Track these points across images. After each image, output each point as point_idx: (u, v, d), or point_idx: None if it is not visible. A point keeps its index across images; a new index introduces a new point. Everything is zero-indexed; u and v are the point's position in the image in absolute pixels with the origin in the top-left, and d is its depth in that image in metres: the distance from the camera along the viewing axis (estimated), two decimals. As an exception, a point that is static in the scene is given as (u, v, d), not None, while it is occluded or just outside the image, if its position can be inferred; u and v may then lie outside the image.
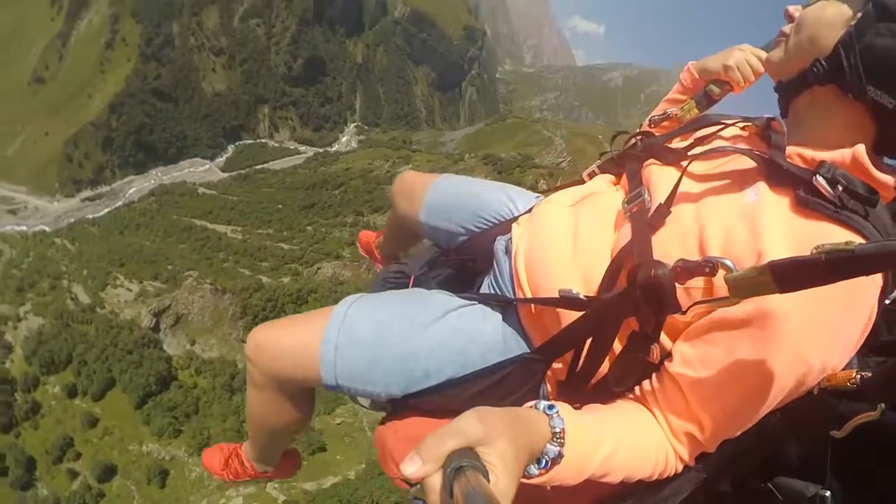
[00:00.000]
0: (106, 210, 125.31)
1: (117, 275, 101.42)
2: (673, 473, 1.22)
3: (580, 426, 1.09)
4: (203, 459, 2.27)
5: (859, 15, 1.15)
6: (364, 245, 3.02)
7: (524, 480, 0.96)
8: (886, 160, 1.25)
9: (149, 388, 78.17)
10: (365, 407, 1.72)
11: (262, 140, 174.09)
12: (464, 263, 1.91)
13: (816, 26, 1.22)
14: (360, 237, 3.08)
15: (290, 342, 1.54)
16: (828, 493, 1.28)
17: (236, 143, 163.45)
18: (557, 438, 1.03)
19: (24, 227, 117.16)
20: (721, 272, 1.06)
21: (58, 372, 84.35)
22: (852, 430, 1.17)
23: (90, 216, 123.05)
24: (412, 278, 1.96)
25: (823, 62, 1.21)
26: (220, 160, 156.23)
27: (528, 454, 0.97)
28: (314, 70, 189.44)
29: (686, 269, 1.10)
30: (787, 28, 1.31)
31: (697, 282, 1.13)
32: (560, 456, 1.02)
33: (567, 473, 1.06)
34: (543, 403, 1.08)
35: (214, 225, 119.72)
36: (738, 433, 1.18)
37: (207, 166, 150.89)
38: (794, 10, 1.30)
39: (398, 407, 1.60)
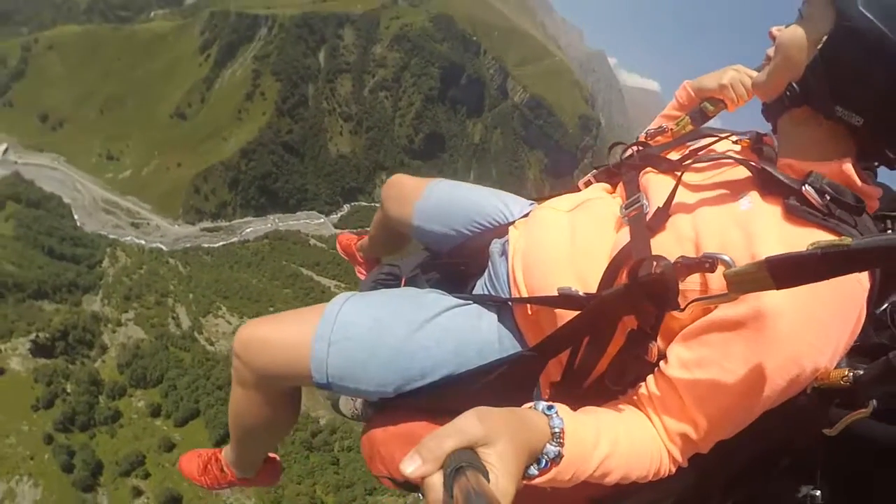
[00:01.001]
0: (221, 243, 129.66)
1: (220, 305, 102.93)
2: (667, 474, 1.23)
3: (578, 427, 1.09)
4: (180, 464, 2.21)
5: (826, 38, 1.21)
6: (344, 247, 2.98)
7: (523, 481, 0.96)
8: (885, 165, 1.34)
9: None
10: (346, 416, 1.72)
11: (376, 204, 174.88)
12: (456, 267, 1.92)
13: (790, 49, 1.28)
14: (339, 239, 3.06)
15: (281, 338, 1.51)
16: (818, 493, 1.32)
17: (352, 203, 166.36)
18: (557, 439, 1.03)
19: (142, 241, 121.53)
20: (720, 268, 1.09)
21: (146, 388, 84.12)
22: (844, 428, 1.19)
23: (206, 245, 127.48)
24: (404, 280, 1.94)
25: (796, 85, 1.28)
26: (335, 217, 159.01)
27: (528, 454, 0.97)
28: (433, 145, 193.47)
29: (686, 266, 1.13)
30: (770, 51, 1.37)
31: (695, 279, 1.17)
32: (559, 456, 1.02)
33: (566, 474, 1.06)
34: (543, 404, 1.08)
35: (320, 277, 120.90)
36: (733, 434, 1.19)
37: (322, 220, 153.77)
38: (777, 31, 1.35)
39: (388, 406, 1.58)
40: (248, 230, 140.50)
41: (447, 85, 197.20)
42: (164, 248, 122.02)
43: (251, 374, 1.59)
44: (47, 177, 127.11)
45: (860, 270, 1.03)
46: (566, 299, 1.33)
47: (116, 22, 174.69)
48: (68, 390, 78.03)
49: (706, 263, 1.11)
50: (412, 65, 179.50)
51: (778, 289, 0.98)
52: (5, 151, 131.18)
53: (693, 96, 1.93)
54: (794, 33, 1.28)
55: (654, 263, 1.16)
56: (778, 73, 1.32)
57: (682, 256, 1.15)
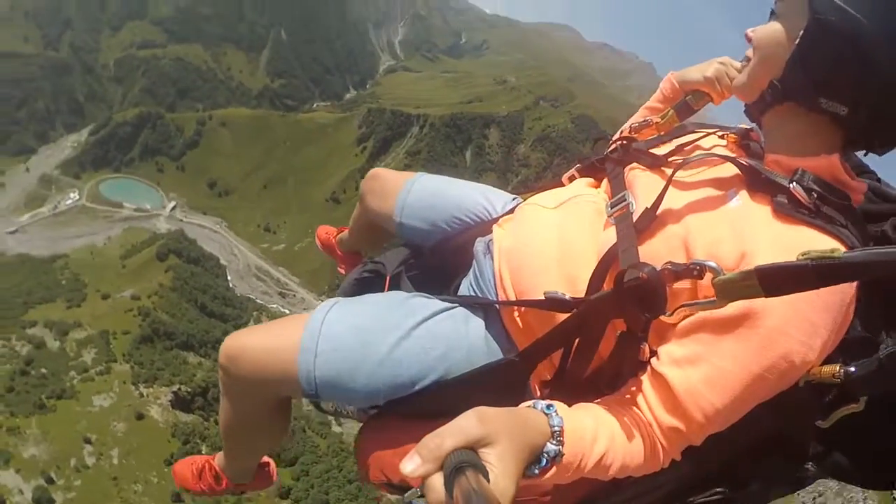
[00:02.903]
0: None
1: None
2: (661, 467, 1.25)
3: (577, 425, 1.10)
4: (174, 471, 2.22)
5: (802, 32, 1.22)
6: (323, 241, 2.95)
7: (524, 481, 0.97)
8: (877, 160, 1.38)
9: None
10: (327, 413, 1.72)
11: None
12: (440, 263, 1.91)
13: (767, 48, 1.31)
14: (318, 232, 3.00)
15: (266, 351, 1.51)
16: (810, 465, 1.39)
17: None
18: (556, 437, 1.04)
19: (287, 311, 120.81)
20: (708, 275, 1.11)
21: (279, 466, 77.66)
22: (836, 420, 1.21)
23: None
24: (387, 278, 1.92)
25: (777, 82, 1.30)
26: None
27: (529, 453, 0.98)
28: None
29: (674, 272, 1.14)
30: (749, 51, 1.38)
31: (684, 284, 1.18)
32: (559, 455, 1.03)
33: (566, 472, 1.07)
34: (542, 403, 1.09)
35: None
36: (724, 427, 1.20)
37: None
38: (752, 32, 1.37)
39: (380, 413, 1.59)
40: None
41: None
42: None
43: (238, 386, 1.59)
44: (208, 238, 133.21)
45: (849, 281, 1.05)
46: (553, 303, 1.33)
47: (283, 109, 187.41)
48: (203, 452, 74.76)
49: (694, 270, 1.12)
50: (555, 164, 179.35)
51: (767, 297, 1.01)
52: (173, 208, 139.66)
53: (678, 88, 1.90)
54: (770, 31, 1.31)
55: (641, 270, 1.15)
56: (757, 73, 1.34)
57: (669, 262, 1.16)
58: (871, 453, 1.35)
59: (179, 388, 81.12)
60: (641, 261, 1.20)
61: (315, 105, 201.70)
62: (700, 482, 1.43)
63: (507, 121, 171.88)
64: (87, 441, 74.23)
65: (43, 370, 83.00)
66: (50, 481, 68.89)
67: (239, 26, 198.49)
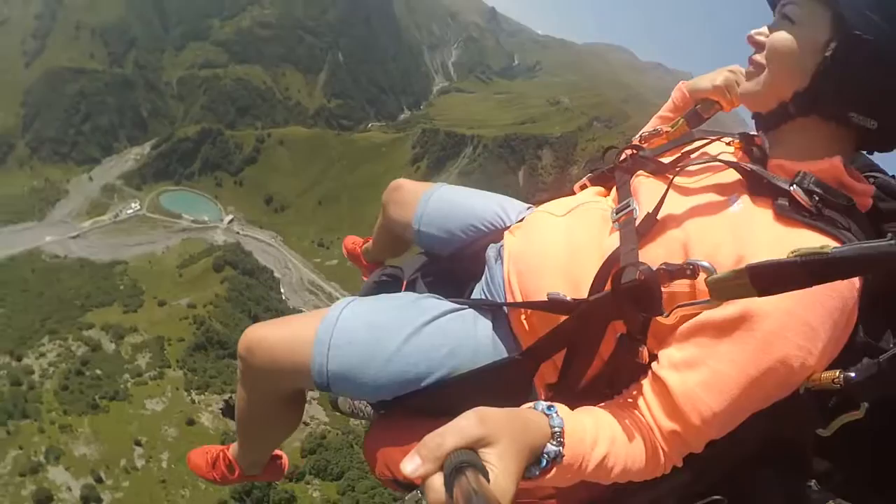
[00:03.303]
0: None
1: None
2: (663, 473, 1.25)
3: (577, 426, 1.11)
4: (189, 460, 2.29)
5: (834, 45, 1.20)
6: (350, 250, 3.04)
7: (524, 482, 0.97)
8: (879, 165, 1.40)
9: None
10: (344, 413, 1.73)
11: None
12: (456, 270, 1.97)
13: (790, 58, 1.27)
14: (345, 242, 3.10)
15: (283, 342, 1.56)
16: (813, 482, 1.37)
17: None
18: (557, 438, 1.04)
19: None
20: (702, 275, 1.12)
21: (325, 479, 76.21)
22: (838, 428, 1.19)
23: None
24: (404, 283, 1.98)
25: (803, 95, 1.27)
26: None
27: (529, 454, 0.98)
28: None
29: (668, 272, 1.15)
30: (758, 57, 1.34)
31: (681, 285, 1.19)
32: (560, 456, 1.04)
33: (566, 473, 1.07)
34: (542, 404, 1.10)
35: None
36: (724, 433, 1.20)
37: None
38: (759, 35, 1.34)
39: (388, 409, 1.63)
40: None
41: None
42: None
43: (255, 375, 1.64)
44: (263, 251, 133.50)
45: (842, 278, 1.04)
46: (554, 304, 1.36)
47: (338, 129, 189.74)
48: None
49: (687, 270, 1.13)
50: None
51: (760, 296, 1.01)
52: (230, 222, 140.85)
53: (688, 97, 1.92)
54: (788, 40, 1.27)
55: (637, 270, 1.16)
56: (776, 83, 1.31)
57: (664, 263, 1.17)
58: (869, 473, 1.33)
59: (230, 397, 78.38)
60: (639, 261, 1.21)
61: (370, 125, 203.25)
62: (700, 490, 1.42)
63: (560, 142, 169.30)
64: (138, 443, 73.96)
65: (98, 371, 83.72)
66: (99, 480, 68.55)
67: (297, 48, 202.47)
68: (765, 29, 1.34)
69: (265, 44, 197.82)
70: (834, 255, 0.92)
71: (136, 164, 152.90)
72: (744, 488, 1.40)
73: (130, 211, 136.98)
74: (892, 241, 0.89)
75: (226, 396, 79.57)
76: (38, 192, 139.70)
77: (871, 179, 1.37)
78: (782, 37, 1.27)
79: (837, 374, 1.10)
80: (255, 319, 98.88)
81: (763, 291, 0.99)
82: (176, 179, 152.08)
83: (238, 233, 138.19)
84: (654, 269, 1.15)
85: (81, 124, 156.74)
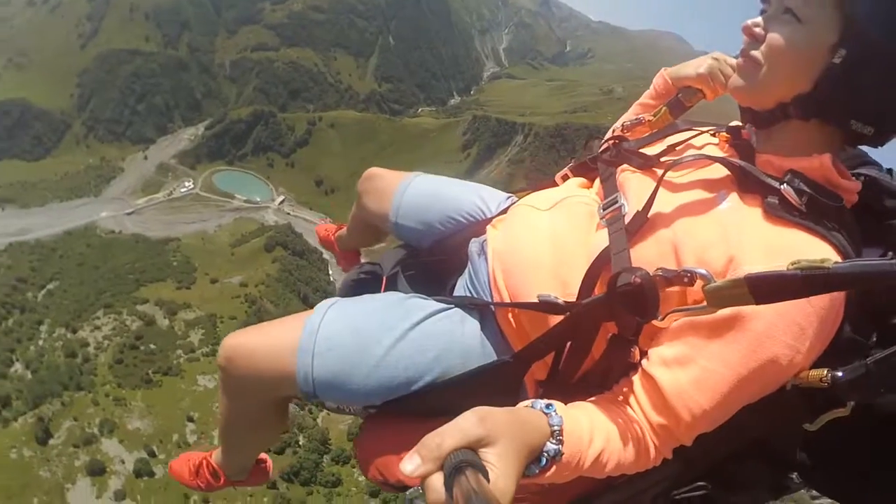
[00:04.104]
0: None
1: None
2: (653, 465, 1.27)
3: (574, 424, 1.12)
4: (171, 468, 2.23)
5: (844, 52, 1.16)
6: (323, 237, 2.99)
7: (523, 480, 0.97)
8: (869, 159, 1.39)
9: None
10: (331, 410, 1.77)
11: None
12: (436, 263, 1.93)
13: (795, 59, 1.23)
14: (317, 230, 3.06)
15: (264, 350, 1.51)
16: (794, 475, 1.39)
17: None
18: (556, 436, 1.05)
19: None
20: (699, 282, 1.11)
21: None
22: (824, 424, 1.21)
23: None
24: (384, 279, 1.93)
25: (807, 98, 1.24)
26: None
27: (528, 453, 0.98)
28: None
29: (665, 279, 1.15)
30: (756, 53, 1.29)
31: (674, 289, 1.19)
32: (559, 454, 1.05)
33: (565, 471, 1.08)
34: (541, 402, 1.10)
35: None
36: (714, 427, 1.22)
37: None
38: (757, 27, 1.29)
39: (378, 412, 1.61)
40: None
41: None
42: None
43: (237, 385, 1.60)
44: (313, 232, 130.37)
45: (838, 291, 1.06)
46: (546, 306, 1.34)
47: (389, 113, 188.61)
48: (300, 443, 73.64)
49: (685, 277, 1.13)
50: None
51: (757, 304, 1.02)
52: (281, 202, 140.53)
53: (671, 85, 1.89)
54: (794, 40, 1.22)
55: (633, 275, 1.16)
56: (776, 84, 1.27)
57: (660, 269, 1.17)
58: (847, 470, 1.34)
59: None
60: (633, 265, 1.21)
61: (420, 110, 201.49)
62: (687, 481, 1.44)
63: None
64: (190, 419, 73.69)
65: (151, 346, 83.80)
66: (152, 454, 68.31)
67: (349, 32, 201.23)
68: (761, 19, 1.29)
69: (317, 27, 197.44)
70: (835, 270, 0.93)
71: (190, 144, 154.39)
72: (730, 477, 1.42)
73: (184, 189, 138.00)
74: (893, 261, 0.92)
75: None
76: (94, 169, 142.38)
77: (862, 177, 1.36)
78: (786, 35, 1.22)
79: (825, 373, 1.12)
80: (305, 300, 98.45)
81: (761, 300, 1.01)
82: (229, 160, 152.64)
83: (289, 214, 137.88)
84: (651, 274, 1.15)
85: (136, 105, 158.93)
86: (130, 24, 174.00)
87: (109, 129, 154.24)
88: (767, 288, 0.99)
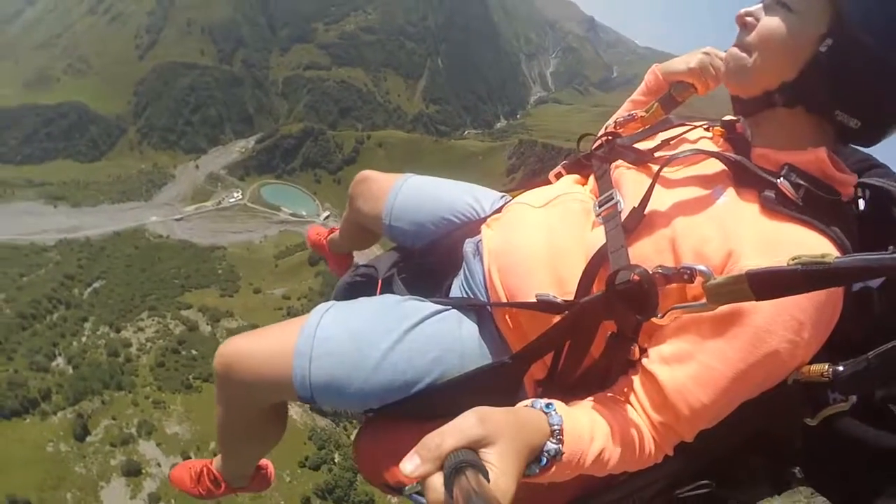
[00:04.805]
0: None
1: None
2: (654, 462, 1.27)
3: (575, 423, 1.12)
4: (172, 476, 2.24)
5: (830, 42, 1.18)
6: (314, 241, 2.98)
7: (524, 479, 0.97)
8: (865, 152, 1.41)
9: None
10: (329, 414, 1.96)
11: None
12: (431, 264, 1.92)
13: (783, 47, 1.24)
14: (308, 233, 3.04)
15: (262, 355, 1.50)
16: (797, 470, 1.39)
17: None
18: (556, 436, 1.05)
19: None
20: (699, 279, 1.11)
21: None
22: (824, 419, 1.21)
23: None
24: (380, 281, 1.92)
25: (791, 86, 1.25)
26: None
27: (529, 453, 0.98)
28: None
29: (664, 276, 1.15)
30: (746, 39, 1.32)
31: (673, 286, 1.18)
32: (560, 454, 1.04)
33: (565, 470, 1.08)
34: (541, 402, 1.10)
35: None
36: (714, 423, 1.22)
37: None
38: (750, 17, 1.31)
39: (377, 414, 1.60)
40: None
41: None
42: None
43: (234, 391, 1.59)
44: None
45: (839, 286, 1.06)
46: (545, 305, 1.34)
47: (436, 134, 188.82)
48: (336, 460, 72.29)
49: (684, 274, 1.13)
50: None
51: (757, 300, 1.03)
52: (326, 217, 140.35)
53: (662, 80, 1.87)
54: (784, 29, 1.24)
55: (632, 273, 1.16)
56: (764, 71, 1.29)
57: (660, 266, 1.16)
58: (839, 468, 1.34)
59: None
60: (632, 263, 1.21)
61: (466, 132, 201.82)
62: (689, 477, 1.44)
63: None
64: None
65: (193, 352, 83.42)
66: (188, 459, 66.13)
67: (399, 54, 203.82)
68: (755, 9, 1.31)
69: (368, 48, 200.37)
70: (836, 265, 0.94)
71: (240, 157, 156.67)
72: (732, 472, 1.43)
73: (232, 200, 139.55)
74: (895, 255, 0.92)
75: (315, 390, 78.14)
76: (145, 174, 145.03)
77: (867, 189, 1.37)
78: (776, 24, 1.25)
79: (826, 367, 1.13)
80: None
81: (762, 297, 1.02)
82: (277, 173, 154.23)
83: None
84: (650, 271, 1.15)
85: (190, 115, 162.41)
86: (187, 37, 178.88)
87: (163, 137, 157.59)
88: (768, 284, 1.00)
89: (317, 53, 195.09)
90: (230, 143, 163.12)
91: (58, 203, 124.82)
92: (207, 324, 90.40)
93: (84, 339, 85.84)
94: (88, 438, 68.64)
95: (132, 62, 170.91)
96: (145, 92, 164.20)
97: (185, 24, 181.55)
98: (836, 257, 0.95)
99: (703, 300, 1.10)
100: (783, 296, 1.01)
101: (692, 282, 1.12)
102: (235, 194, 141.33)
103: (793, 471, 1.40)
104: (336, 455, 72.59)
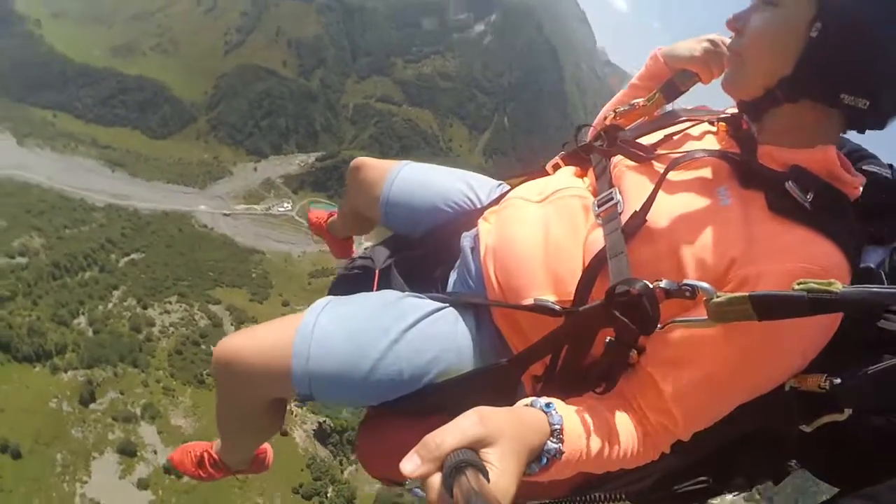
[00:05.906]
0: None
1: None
2: (651, 460, 1.27)
3: (574, 422, 1.12)
4: (173, 459, 2.29)
5: (819, 24, 1.16)
6: (314, 224, 3.03)
7: (525, 478, 0.97)
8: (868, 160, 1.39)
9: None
10: (327, 406, 1.80)
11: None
12: (427, 255, 1.92)
13: (773, 42, 1.23)
14: (309, 216, 3.08)
15: (260, 353, 1.49)
16: (794, 462, 1.42)
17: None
18: (557, 435, 1.05)
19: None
20: (701, 295, 1.09)
21: None
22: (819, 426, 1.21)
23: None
24: (377, 272, 1.91)
25: (791, 80, 1.23)
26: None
27: (529, 452, 0.98)
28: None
29: (665, 291, 1.13)
30: (737, 45, 1.32)
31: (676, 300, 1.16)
32: (560, 453, 1.04)
33: (565, 469, 1.08)
34: (541, 401, 1.10)
35: None
36: (711, 424, 1.23)
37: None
38: (738, 21, 1.31)
39: (376, 411, 1.62)
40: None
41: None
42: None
43: (233, 389, 1.60)
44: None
45: (842, 313, 1.07)
46: (543, 310, 1.34)
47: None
48: (329, 494, 71.78)
49: (686, 292, 1.10)
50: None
51: (759, 321, 1.01)
52: (366, 249, 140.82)
53: (664, 66, 1.82)
54: (772, 24, 1.23)
55: (632, 287, 1.14)
56: (759, 70, 1.27)
57: (661, 281, 1.13)
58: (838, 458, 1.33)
59: (325, 420, 79.00)
60: (633, 275, 1.19)
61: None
62: (686, 472, 1.45)
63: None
64: None
65: (213, 348, 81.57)
66: None
67: (468, 104, 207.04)
68: (744, 13, 1.31)
69: (440, 93, 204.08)
70: (841, 297, 0.94)
71: (298, 170, 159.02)
72: (731, 466, 1.44)
73: (282, 209, 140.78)
74: None
75: (321, 419, 78.15)
76: (205, 164, 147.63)
77: (875, 169, 1.36)
78: (764, 21, 1.24)
79: (824, 378, 1.12)
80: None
81: (764, 318, 1.01)
82: (329, 194, 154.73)
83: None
84: (651, 286, 1.13)
85: (260, 119, 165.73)
86: (273, 45, 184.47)
87: (230, 134, 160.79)
88: (772, 307, 0.99)
89: (391, 87, 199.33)
90: (292, 154, 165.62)
91: (116, 168, 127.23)
92: (232, 324, 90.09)
93: (110, 305, 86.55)
94: (92, 405, 68.82)
95: (217, 56, 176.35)
96: (224, 87, 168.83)
97: (273, 33, 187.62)
98: (843, 288, 0.94)
99: (705, 315, 1.09)
100: (786, 318, 1.00)
101: (693, 298, 1.11)
102: (286, 204, 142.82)
103: (790, 463, 1.43)
104: (330, 489, 71.87)
